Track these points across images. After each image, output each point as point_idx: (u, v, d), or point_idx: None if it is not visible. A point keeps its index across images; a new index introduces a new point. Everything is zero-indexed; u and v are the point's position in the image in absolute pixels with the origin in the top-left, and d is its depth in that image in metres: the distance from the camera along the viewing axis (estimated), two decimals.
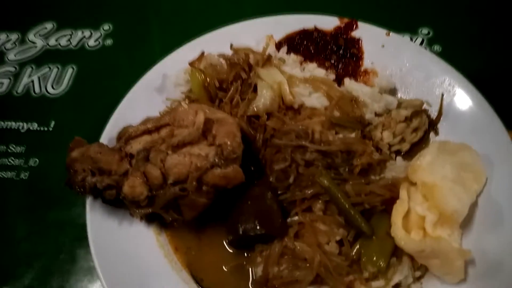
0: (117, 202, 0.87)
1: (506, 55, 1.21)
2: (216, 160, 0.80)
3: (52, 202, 1.06)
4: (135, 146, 0.88)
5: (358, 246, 0.81)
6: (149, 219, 0.92)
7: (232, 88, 0.98)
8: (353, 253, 0.80)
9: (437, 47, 1.23)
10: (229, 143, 0.80)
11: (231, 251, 0.90)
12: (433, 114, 1.00)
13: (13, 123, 1.20)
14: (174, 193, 0.81)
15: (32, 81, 1.28)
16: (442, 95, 1.00)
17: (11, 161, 1.14)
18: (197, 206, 0.85)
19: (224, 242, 0.91)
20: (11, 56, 1.33)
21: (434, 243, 0.75)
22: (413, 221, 0.80)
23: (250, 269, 0.87)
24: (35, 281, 0.97)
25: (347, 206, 0.81)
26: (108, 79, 1.25)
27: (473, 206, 0.86)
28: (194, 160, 0.80)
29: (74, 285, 0.96)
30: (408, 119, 0.95)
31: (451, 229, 0.80)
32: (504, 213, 0.84)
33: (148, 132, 0.90)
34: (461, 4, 1.31)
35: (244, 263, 0.88)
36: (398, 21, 1.25)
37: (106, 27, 1.36)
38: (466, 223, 0.85)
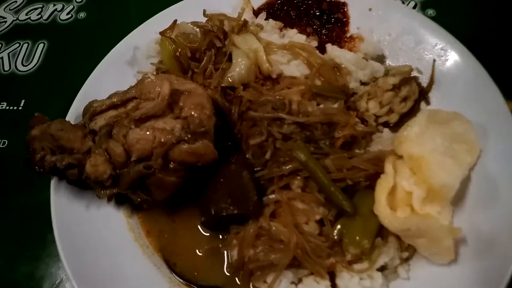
0: (82, 183, 0.81)
1: (505, 20, 1.11)
2: (183, 135, 0.74)
3: (21, 185, 1.00)
4: (100, 122, 0.82)
5: (339, 226, 0.74)
6: (119, 201, 0.86)
7: (205, 58, 0.91)
8: (334, 234, 0.74)
9: (430, 12, 1.14)
10: (196, 115, 0.74)
11: (206, 234, 0.84)
12: (424, 82, 0.92)
13: None
14: (138, 172, 0.75)
15: (2, 58, 1.21)
16: (434, 61, 0.92)
17: None
18: (166, 185, 0.78)
19: (199, 225, 0.85)
20: None
21: (421, 221, 0.68)
22: (399, 197, 0.73)
23: (225, 252, 0.81)
24: (3, 268, 0.92)
25: (327, 182, 0.74)
26: (81, 54, 1.18)
27: (466, 180, 0.79)
28: (158, 135, 0.73)
29: (44, 271, 0.91)
30: (396, 88, 0.87)
31: (441, 206, 0.73)
32: (500, 188, 0.77)
33: (114, 106, 0.83)
34: None
35: (219, 246, 0.82)
36: None
37: None
38: (458, 200, 0.78)
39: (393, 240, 0.75)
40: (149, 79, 0.83)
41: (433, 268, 0.74)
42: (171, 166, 0.75)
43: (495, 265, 0.70)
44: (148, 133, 0.73)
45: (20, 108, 1.12)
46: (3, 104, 1.13)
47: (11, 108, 1.12)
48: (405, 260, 0.76)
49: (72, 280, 0.76)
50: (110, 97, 0.86)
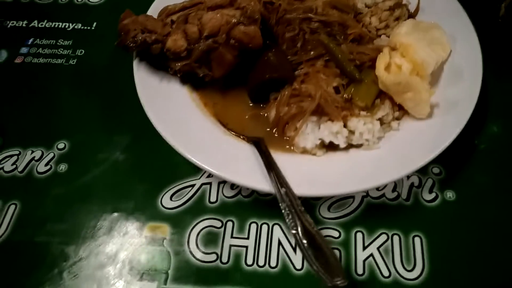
0: (161, 59, 1.09)
1: None
2: (241, 19, 1.03)
3: (97, 81, 1.28)
4: (175, 17, 1.11)
5: (350, 89, 1.04)
6: (184, 79, 1.14)
7: None
8: (346, 94, 1.03)
9: None
10: (252, 5, 1.03)
11: (251, 105, 1.12)
12: (412, 9, 1.24)
13: (60, 24, 1.42)
14: (208, 45, 1.04)
15: None
16: None
17: (60, 51, 1.35)
18: (224, 62, 1.07)
19: (245, 100, 1.12)
20: None
21: (408, 77, 0.98)
22: (393, 70, 1.03)
23: (265, 115, 1.09)
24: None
25: (341, 57, 1.04)
26: None
27: (440, 70, 1.10)
28: (225, 17, 1.02)
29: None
30: (391, 9, 1.19)
31: (422, 78, 1.03)
32: (463, 72, 1.08)
33: (185, 8, 1.12)
34: None
35: (261, 112, 1.10)
36: None
37: None
38: (434, 81, 1.09)
39: (387, 102, 1.04)
40: None
41: (415, 122, 1.04)
42: (231, 42, 1.04)
43: (457, 118, 1.01)
44: (218, 15, 1.02)
45: (93, 28, 1.40)
46: (79, 25, 1.41)
47: (86, 28, 1.40)
48: (397, 118, 1.06)
49: (151, 117, 1.02)
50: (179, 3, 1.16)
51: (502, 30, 1.27)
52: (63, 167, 1.12)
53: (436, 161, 0.99)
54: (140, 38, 1.06)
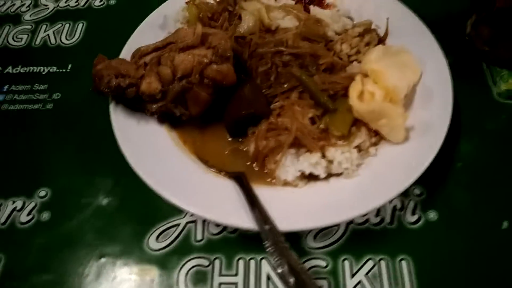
0: (136, 102, 1.10)
1: None
2: (213, 58, 1.04)
3: (75, 124, 1.28)
4: (148, 59, 1.12)
5: (325, 119, 1.05)
6: (162, 119, 1.14)
7: (221, 18, 1.23)
8: (322, 124, 1.05)
9: None
10: (222, 43, 1.04)
11: (230, 140, 1.13)
12: (382, 33, 1.27)
13: (35, 68, 1.41)
14: (182, 86, 1.05)
15: (48, 35, 1.49)
16: (387, 18, 1.26)
17: (37, 96, 1.35)
18: (200, 100, 1.08)
19: (224, 136, 1.14)
20: (27, 17, 1.55)
21: (381, 105, 1.00)
22: (366, 98, 1.05)
23: (245, 149, 1.10)
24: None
25: (315, 89, 1.06)
26: (114, 30, 1.46)
27: (412, 93, 1.13)
28: (196, 58, 1.04)
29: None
30: (361, 35, 1.21)
31: (396, 103, 1.05)
32: (435, 93, 1.11)
33: (157, 49, 1.13)
34: None
35: (240, 147, 1.11)
36: None
37: None
38: (408, 104, 1.11)
39: (364, 129, 1.06)
40: (183, 28, 1.14)
41: (393, 147, 1.05)
42: (205, 81, 1.05)
43: (433, 140, 1.03)
44: (189, 56, 1.04)
45: (68, 70, 1.40)
46: (54, 67, 1.41)
47: (61, 71, 1.40)
48: (374, 144, 1.07)
49: (130, 161, 1.03)
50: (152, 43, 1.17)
51: (470, 47, 1.30)
52: (45, 215, 1.11)
53: (416, 182, 1.01)
54: (114, 83, 1.06)
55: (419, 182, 1.06)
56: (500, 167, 1.12)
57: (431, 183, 1.10)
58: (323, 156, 1.02)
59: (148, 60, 1.10)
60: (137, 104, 1.11)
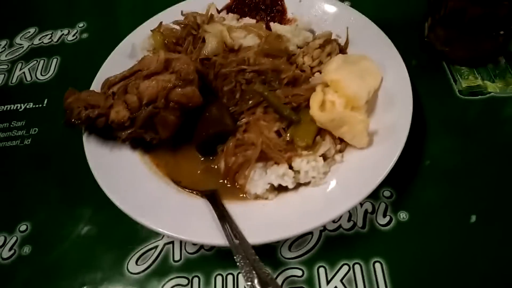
0: (107, 131, 1.13)
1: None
2: (176, 82, 1.08)
3: (53, 157, 1.31)
4: (116, 88, 1.15)
5: (290, 131, 1.08)
6: (134, 145, 1.17)
7: (186, 42, 1.27)
8: (287, 135, 1.08)
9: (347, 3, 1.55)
10: (184, 68, 1.08)
11: (201, 159, 1.16)
12: (342, 42, 1.31)
13: (12, 106, 1.45)
14: (149, 111, 1.08)
15: (24, 73, 1.54)
16: (347, 28, 1.31)
17: (15, 133, 1.38)
18: (168, 123, 1.11)
19: (196, 155, 1.17)
20: (2, 57, 1.60)
21: (341, 112, 1.03)
22: (327, 107, 1.08)
23: (216, 167, 1.13)
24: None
25: (278, 103, 1.09)
26: (87, 62, 1.51)
27: (374, 98, 1.16)
28: (160, 83, 1.07)
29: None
30: (322, 46, 1.25)
31: (358, 110, 1.08)
32: (396, 96, 1.14)
33: (125, 78, 1.17)
34: None
35: (212, 165, 1.14)
36: None
37: (81, 24, 1.65)
38: (370, 109, 1.14)
39: (328, 137, 1.08)
40: (148, 56, 1.18)
41: (358, 152, 1.08)
42: (171, 105, 1.08)
43: (396, 141, 1.05)
44: (153, 82, 1.07)
45: (45, 105, 1.44)
46: (30, 104, 1.45)
47: (37, 106, 1.44)
48: (340, 151, 1.10)
49: (104, 189, 1.05)
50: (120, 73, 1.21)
51: (430, 49, 1.34)
52: (27, 249, 1.13)
53: (385, 184, 1.03)
54: (83, 114, 1.10)
55: (388, 184, 1.09)
56: (466, 162, 1.14)
57: (401, 184, 1.12)
58: (290, 167, 1.05)
59: (116, 89, 1.13)
60: (108, 133, 1.14)
